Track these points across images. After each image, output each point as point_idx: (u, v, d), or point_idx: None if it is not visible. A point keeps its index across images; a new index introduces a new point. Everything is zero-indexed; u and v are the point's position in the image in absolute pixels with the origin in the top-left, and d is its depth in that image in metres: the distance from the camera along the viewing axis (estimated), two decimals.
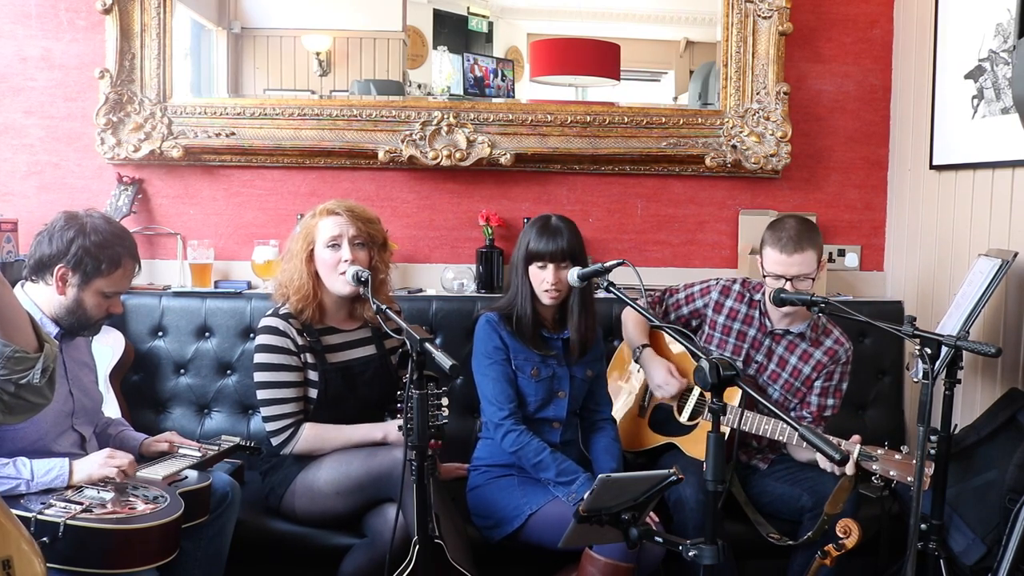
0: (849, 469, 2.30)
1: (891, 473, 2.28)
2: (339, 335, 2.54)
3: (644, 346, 2.73)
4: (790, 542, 2.44)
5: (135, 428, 2.52)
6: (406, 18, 3.31)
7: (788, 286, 2.52)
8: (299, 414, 2.46)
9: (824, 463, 2.41)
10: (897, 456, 2.30)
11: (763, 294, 2.68)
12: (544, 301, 2.47)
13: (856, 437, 2.36)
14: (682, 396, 2.70)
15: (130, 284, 2.26)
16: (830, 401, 2.66)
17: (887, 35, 3.38)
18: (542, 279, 2.44)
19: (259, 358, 2.45)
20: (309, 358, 2.46)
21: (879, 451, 2.31)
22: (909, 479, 2.24)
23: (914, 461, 2.24)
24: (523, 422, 2.45)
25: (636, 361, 2.74)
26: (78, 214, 2.17)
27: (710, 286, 2.79)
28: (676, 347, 2.77)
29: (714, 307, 2.76)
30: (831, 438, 2.33)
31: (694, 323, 2.79)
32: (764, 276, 2.60)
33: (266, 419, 2.46)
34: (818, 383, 2.65)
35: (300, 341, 2.45)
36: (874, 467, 2.30)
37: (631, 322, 2.80)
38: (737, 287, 2.76)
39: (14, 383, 1.50)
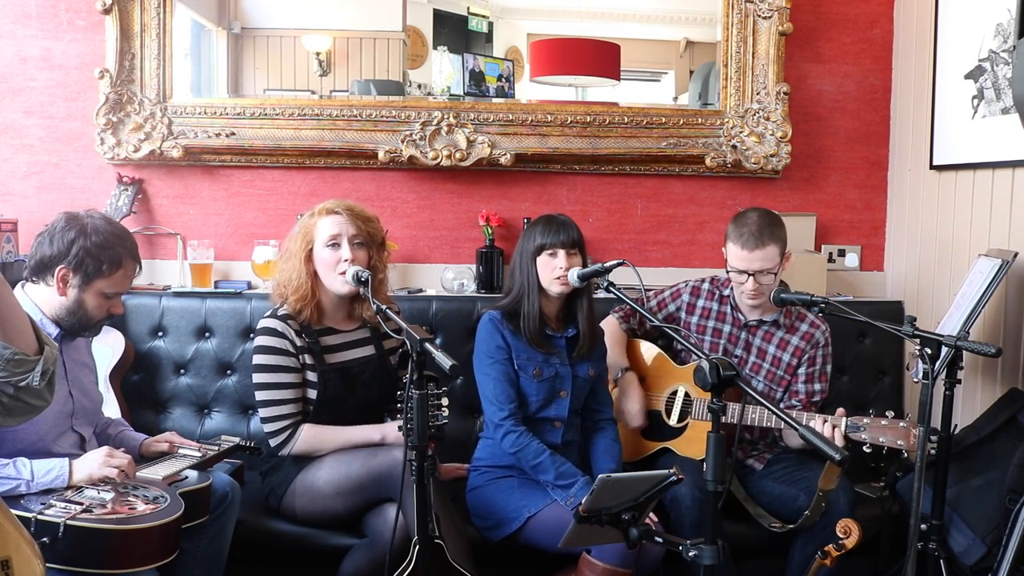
0: (838, 441, 2.30)
1: (880, 439, 2.29)
2: (337, 335, 2.54)
3: (626, 369, 2.75)
4: (791, 527, 2.44)
5: (135, 428, 2.52)
6: (406, 18, 3.31)
7: (750, 281, 2.54)
8: (297, 415, 2.46)
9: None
10: (883, 421, 2.31)
11: (732, 289, 2.69)
12: (554, 291, 2.46)
13: (841, 410, 2.37)
14: (668, 399, 2.71)
15: (131, 285, 2.26)
16: (817, 386, 2.67)
17: (887, 35, 3.38)
18: (554, 266, 2.44)
19: (257, 360, 2.45)
20: (308, 359, 2.46)
21: (865, 420, 2.33)
22: (899, 442, 2.26)
23: (902, 424, 2.27)
24: (524, 422, 2.45)
25: (615, 383, 2.75)
26: (79, 215, 2.16)
27: (680, 289, 2.81)
28: (651, 357, 2.80)
29: (687, 309, 2.78)
30: (817, 417, 2.36)
31: None
32: (727, 271, 2.62)
33: (264, 420, 2.45)
34: (802, 370, 2.66)
35: (298, 342, 2.45)
36: (863, 436, 2.31)
37: (609, 340, 2.78)
38: (706, 286, 2.78)
39: (13, 385, 1.50)
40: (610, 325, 2.82)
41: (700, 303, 2.76)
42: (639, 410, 2.69)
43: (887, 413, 2.33)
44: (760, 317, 2.69)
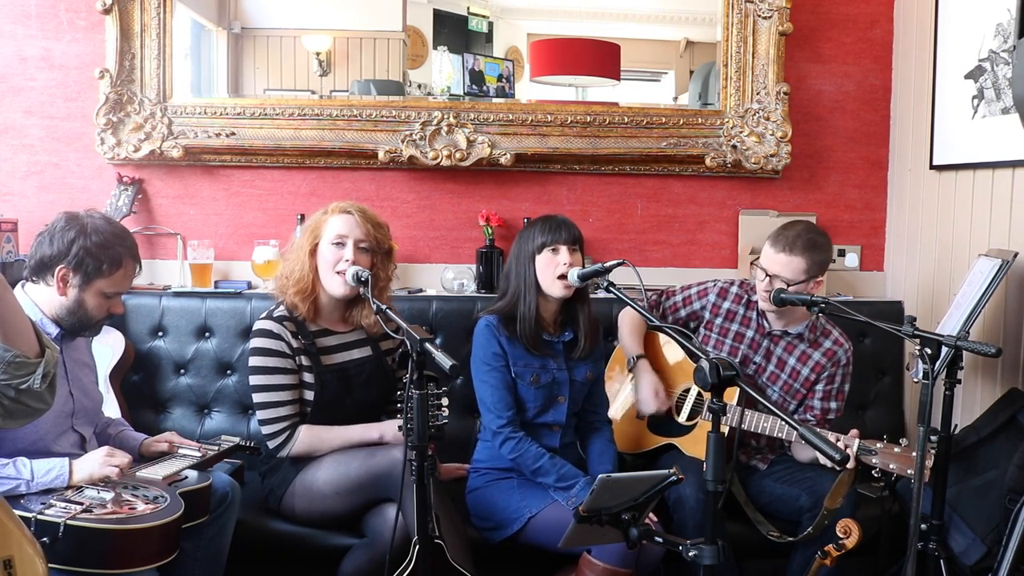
0: (849, 463, 2.31)
1: (891, 466, 2.28)
2: (334, 337, 2.54)
3: (640, 357, 2.73)
4: (790, 539, 2.44)
5: (135, 428, 2.52)
6: (406, 18, 3.31)
7: (766, 282, 2.54)
8: (295, 416, 2.45)
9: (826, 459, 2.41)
10: (896, 449, 2.30)
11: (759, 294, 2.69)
12: (555, 293, 2.44)
13: (854, 431, 2.36)
14: (680, 396, 2.70)
15: (131, 284, 2.26)
16: (832, 404, 2.65)
17: (887, 35, 3.38)
18: (556, 263, 2.42)
19: (254, 362, 2.44)
20: (304, 360, 2.45)
21: (878, 444, 2.32)
22: (909, 471, 2.25)
23: (914, 454, 2.25)
24: (522, 427, 2.45)
25: (630, 371, 2.74)
26: (79, 215, 2.17)
27: (707, 288, 2.79)
28: (672, 354, 2.78)
29: (711, 309, 2.76)
30: (830, 434, 2.35)
31: (692, 325, 2.79)
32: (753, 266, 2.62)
33: (262, 422, 2.45)
34: (819, 387, 2.65)
35: (294, 343, 2.44)
36: (873, 460, 2.30)
37: (626, 328, 2.79)
38: (735, 289, 2.76)
39: (14, 388, 1.49)
40: (629, 312, 2.81)
41: (726, 305, 2.74)
42: (649, 395, 2.63)
43: (901, 441, 2.32)
44: (784, 328, 2.67)
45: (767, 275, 2.54)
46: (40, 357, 1.52)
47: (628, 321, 2.80)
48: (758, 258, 2.62)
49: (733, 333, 2.72)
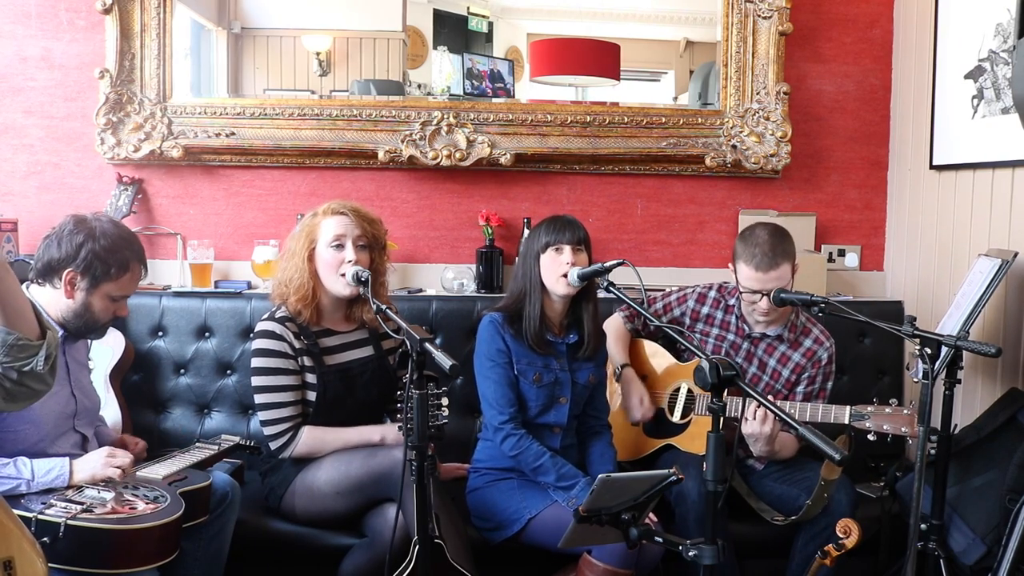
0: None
1: (884, 427, 2.31)
2: (336, 337, 2.54)
3: (624, 366, 2.74)
4: (794, 518, 2.45)
5: (135, 428, 2.53)
6: (406, 18, 3.31)
7: (764, 301, 2.53)
8: (297, 418, 2.45)
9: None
10: (887, 409, 2.32)
11: (738, 299, 2.69)
12: (559, 291, 2.44)
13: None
14: (671, 396, 2.71)
15: (137, 287, 2.27)
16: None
17: (887, 35, 3.38)
18: (559, 262, 2.42)
19: (256, 363, 2.44)
20: (307, 361, 2.45)
21: (869, 408, 2.34)
22: (903, 430, 2.29)
23: (906, 411, 2.31)
24: (523, 426, 2.45)
25: (617, 380, 2.75)
26: (86, 218, 2.17)
27: (686, 294, 2.81)
28: (659, 360, 2.79)
29: (691, 315, 2.77)
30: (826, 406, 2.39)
31: None
32: (740, 291, 2.60)
33: (264, 423, 2.45)
34: (800, 388, 2.66)
35: (297, 344, 2.44)
36: (867, 424, 2.33)
37: (612, 337, 2.78)
38: (713, 293, 2.77)
39: (16, 370, 1.49)
40: (614, 323, 2.82)
41: (705, 310, 2.75)
42: (637, 402, 2.67)
43: (891, 401, 2.34)
44: (765, 330, 2.67)
45: (763, 295, 2.52)
46: (42, 339, 1.52)
47: (612, 331, 2.79)
48: (741, 288, 2.60)
49: (714, 337, 2.73)
